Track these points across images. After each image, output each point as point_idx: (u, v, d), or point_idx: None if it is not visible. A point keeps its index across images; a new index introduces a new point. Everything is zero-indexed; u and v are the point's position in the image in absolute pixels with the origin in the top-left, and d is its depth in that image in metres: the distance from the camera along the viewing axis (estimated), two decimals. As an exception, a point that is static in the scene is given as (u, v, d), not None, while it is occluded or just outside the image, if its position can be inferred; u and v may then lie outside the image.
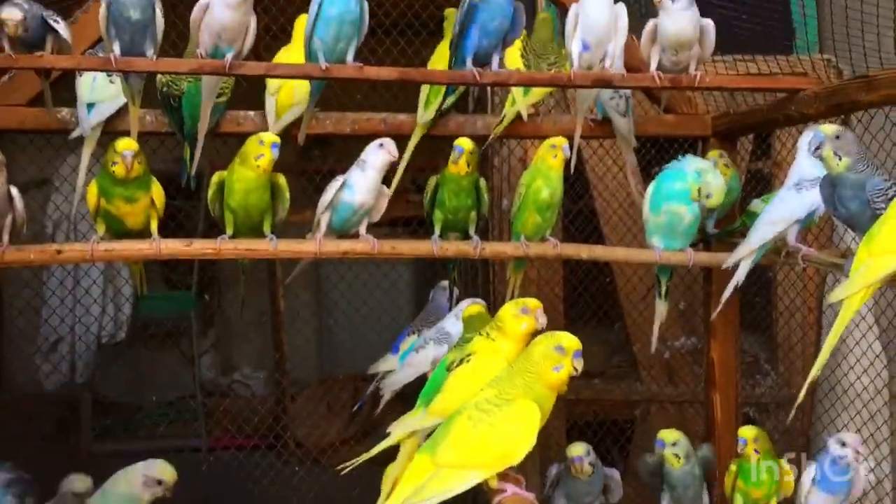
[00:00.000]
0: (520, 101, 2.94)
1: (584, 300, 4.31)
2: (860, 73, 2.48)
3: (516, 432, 1.80)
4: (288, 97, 2.91)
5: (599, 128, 3.11)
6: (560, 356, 1.84)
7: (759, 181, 4.03)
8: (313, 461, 5.98)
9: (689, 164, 2.73)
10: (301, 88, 2.85)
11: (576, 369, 1.85)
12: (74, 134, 2.82)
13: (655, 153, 3.98)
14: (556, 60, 3.02)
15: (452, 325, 2.78)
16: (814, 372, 2.06)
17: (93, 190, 2.50)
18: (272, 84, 2.94)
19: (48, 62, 2.42)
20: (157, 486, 2.30)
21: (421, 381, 2.66)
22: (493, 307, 3.46)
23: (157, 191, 2.54)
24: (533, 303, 2.16)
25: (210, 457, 5.77)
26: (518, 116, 3.01)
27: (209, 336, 7.42)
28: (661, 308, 2.92)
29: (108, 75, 2.78)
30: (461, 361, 2.17)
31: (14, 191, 2.43)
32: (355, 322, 6.48)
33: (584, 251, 2.83)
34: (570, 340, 1.86)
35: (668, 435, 2.69)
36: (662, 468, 2.71)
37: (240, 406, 6.88)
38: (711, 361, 3.14)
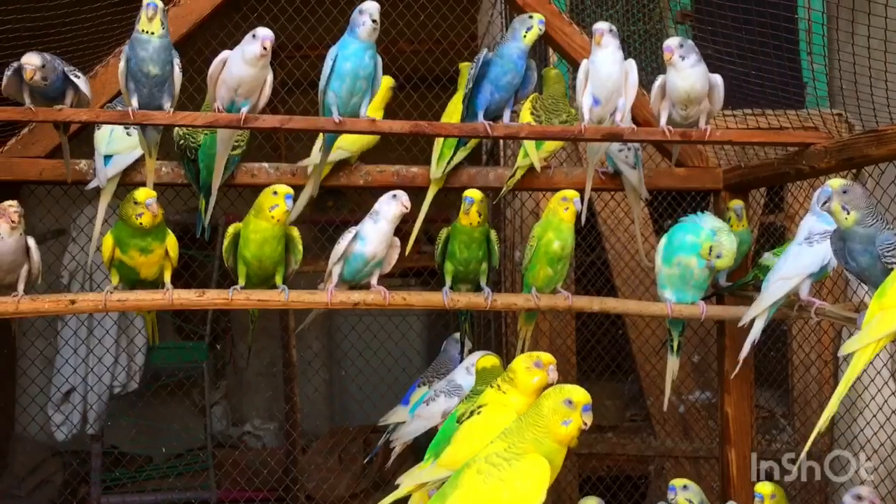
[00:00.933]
0: (532, 154, 2.96)
1: (597, 353, 4.28)
2: (871, 127, 2.50)
3: (525, 488, 1.77)
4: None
5: (611, 180, 3.14)
6: (569, 410, 1.81)
7: (772, 234, 4.03)
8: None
9: (706, 221, 2.72)
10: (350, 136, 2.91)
11: (585, 424, 1.82)
12: (91, 185, 2.87)
13: (667, 206, 4.00)
14: (568, 119, 3.06)
15: (463, 377, 2.76)
16: (821, 423, 2.04)
17: (108, 241, 2.53)
18: None
19: (67, 115, 2.47)
20: None
21: (433, 433, 2.64)
22: (505, 359, 3.44)
23: (171, 242, 2.57)
24: (546, 357, 2.14)
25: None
26: (531, 169, 3.03)
27: (220, 387, 7.40)
28: (673, 363, 2.90)
29: (126, 128, 2.83)
30: (471, 413, 2.16)
31: (31, 241, 2.46)
32: (366, 373, 6.46)
33: (595, 304, 2.82)
34: (579, 394, 1.83)
35: (678, 481, 2.66)
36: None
37: (250, 458, 6.83)
38: (726, 416, 3.11)
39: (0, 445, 6.20)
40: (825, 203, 2.14)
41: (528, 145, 2.97)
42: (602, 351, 4.28)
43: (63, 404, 5.32)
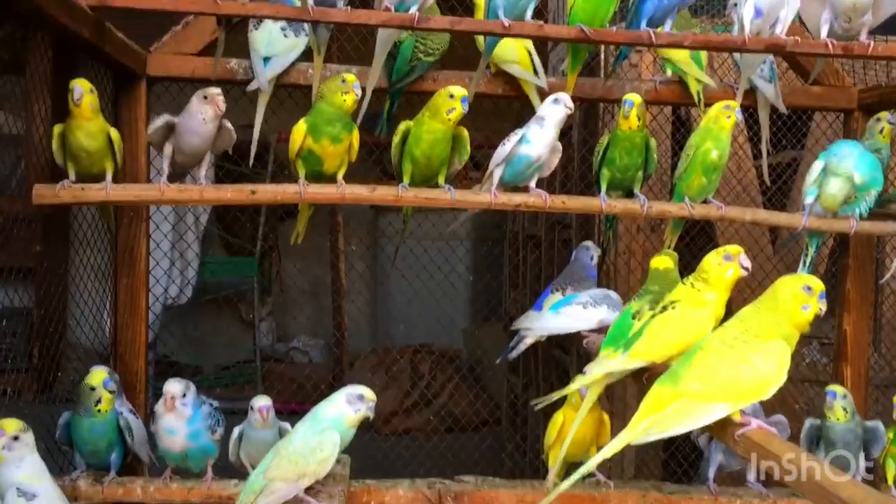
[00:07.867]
0: (702, 76, 2.98)
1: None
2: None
3: (767, 367, 1.82)
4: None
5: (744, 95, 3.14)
6: (808, 296, 1.87)
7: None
8: (372, 429, 6.07)
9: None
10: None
11: (821, 310, 1.89)
12: (252, 87, 2.83)
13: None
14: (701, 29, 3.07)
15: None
16: None
17: (300, 128, 2.55)
18: None
19: (250, 9, 2.42)
20: (360, 401, 2.35)
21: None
22: (606, 278, 3.46)
23: (356, 134, 2.59)
24: (734, 249, 2.17)
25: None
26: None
27: (267, 304, 7.49)
28: (803, 276, 2.95)
29: (283, 29, 2.81)
30: (664, 308, 2.21)
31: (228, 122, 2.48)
32: (411, 293, 6.54)
33: (748, 214, 2.85)
34: (816, 282, 1.90)
35: (839, 388, 2.72)
36: (823, 425, 2.74)
37: (296, 372, 6.97)
38: (844, 334, 3.17)
39: (53, 353, 6.24)
40: None
41: (688, 65, 2.96)
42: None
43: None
